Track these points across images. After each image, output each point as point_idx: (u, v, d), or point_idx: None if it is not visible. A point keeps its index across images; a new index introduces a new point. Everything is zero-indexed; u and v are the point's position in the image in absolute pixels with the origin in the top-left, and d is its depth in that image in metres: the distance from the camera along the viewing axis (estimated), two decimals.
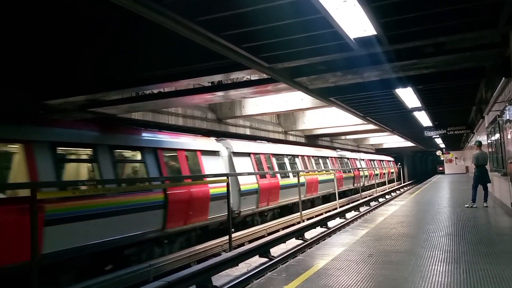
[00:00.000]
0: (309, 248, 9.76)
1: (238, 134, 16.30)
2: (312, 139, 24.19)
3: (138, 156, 9.68)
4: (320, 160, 22.07)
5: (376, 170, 33.88)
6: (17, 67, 7.01)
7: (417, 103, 11.71)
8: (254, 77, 8.70)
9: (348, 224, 14.55)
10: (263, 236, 12.12)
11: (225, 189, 10.16)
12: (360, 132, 24.98)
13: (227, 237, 9.62)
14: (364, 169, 29.55)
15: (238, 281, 7.86)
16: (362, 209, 19.78)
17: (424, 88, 10.01)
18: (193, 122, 13.59)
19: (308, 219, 15.53)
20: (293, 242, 11.60)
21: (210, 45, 5.21)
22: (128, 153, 9.83)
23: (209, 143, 12.43)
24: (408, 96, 10.54)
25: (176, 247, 10.40)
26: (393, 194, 28.60)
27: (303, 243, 11.50)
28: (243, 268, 9.01)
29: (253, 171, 14.20)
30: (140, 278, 8.21)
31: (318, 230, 13.81)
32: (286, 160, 17.64)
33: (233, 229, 11.26)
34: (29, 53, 6.87)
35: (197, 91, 8.73)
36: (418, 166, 66.81)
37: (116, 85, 7.44)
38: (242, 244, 11.42)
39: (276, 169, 16.19)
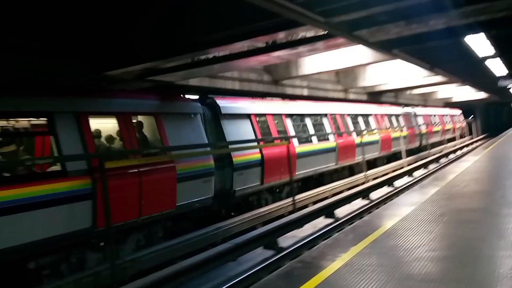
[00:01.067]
0: (376, 209, 9.53)
1: (295, 95, 15.98)
2: (374, 96, 23.20)
3: None
4: (373, 118, 20.18)
5: (445, 125, 32.06)
6: (77, 38, 7.22)
7: (490, 51, 10.75)
8: (310, 34, 8.33)
9: (416, 183, 13.97)
10: (326, 198, 12.02)
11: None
12: (426, 86, 23.50)
13: (290, 199, 9.64)
14: (432, 124, 28.06)
15: (305, 242, 7.87)
16: (431, 166, 18.91)
17: (498, 34, 9.13)
18: (249, 86, 13.47)
19: (373, 179, 15.15)
20: (358, 203, 11.40)
21: (263, 3, 4.98)
22: None
23: (177, 104, 9.75)
24: (479, 43, 9.71)
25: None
26: (465, 149, 27.01)
27: (369, 203, 11.26)
28: (308, 229, 9.01)
29: (253, 136, 11.57)
30: (208, 241, 8.51)
31: (385, 190, 13.43)
32: (308, 121, 14.56)
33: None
34: (88, 24, 7.02)
35: (252, 53, 8.54)
36: (491, 119, 62.38)
37: (172, 51, 7.47)
38: (306, 206, 11.40)
39: (291, 132, 13.27)
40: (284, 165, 11.58)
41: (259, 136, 11.63)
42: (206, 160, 9.29)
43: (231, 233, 9.05)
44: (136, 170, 7.76)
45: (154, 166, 8.10)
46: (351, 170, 16.88)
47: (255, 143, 11.46)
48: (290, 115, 13.58)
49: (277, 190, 12.38)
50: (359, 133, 17.03)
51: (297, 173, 12.37)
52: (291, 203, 10.34)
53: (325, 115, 15.73)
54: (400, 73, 17.40)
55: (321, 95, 17.82)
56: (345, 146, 15.56)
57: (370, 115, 19.70)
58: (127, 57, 7.61)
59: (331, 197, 11.95)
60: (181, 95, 10.34)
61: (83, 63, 7.60)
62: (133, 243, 8.06)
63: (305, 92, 16.70)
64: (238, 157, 10.38)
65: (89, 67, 7.67)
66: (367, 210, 10.13)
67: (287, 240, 8.27)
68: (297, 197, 11.00)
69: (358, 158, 16.43)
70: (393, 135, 20.38)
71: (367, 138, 17.21)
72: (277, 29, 6.49)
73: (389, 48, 9.27)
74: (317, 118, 15.19)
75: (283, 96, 14.99)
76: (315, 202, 11.67)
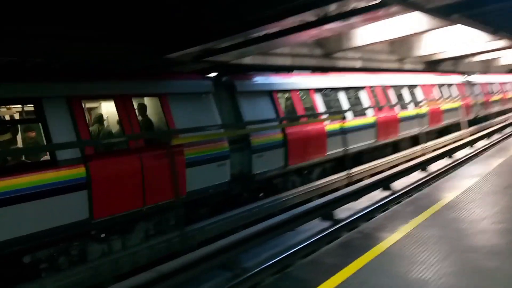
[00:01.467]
0: (435, 181, 9.33)
1: (347, 68, 15.66)
2: (432, 65, 22.17)
3: None
4: (421, 89, 18.69)
5: (506, 94, 30.00)
6: (140, 24, 7.55)
7: None
8: (362, 4, 8.13)
9: (478, 154, 13.42)
10: (383, 171, 11.88)
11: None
12: (488, 52, 22.05)
13: (346, 172, 9.67)
14: (494, 93, 26.44)
15: (362, 214, 7.93)
16: (494, 137, 18.00)
17: None
18: (300, 61, 13.37)
19: (432, 151, 14.71)
20: (416, 176, 11.18)
21: None
22: None
23: (185, 83, 8.99)
24: None
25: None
26: None
27: (427, 176, 11.01)
28: (364, 202, 9.03)
29: (274, 114, 10.63)
30: (267, 212, 8.80)
31: (444, 162, 13.03)
32: (342, 95, 13.54)
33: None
34: (150, 9, 7.30)
35: (303, 28, 8.50)
36: None
37: (226, 31, 7.63)
38: (361, 179, 11.36)
39: (320, 108, 12.19)
40: (311, 145, 10.87)
41: (282, 115, 10.70)
42: (220, 142, 8.69)
43: (288, 204, 9.28)
44: (137, 156, 7.24)
45: (157, 151, 7.58)
46: (395, 147, 15.48)
47: (276, 123, 10.49)
48: (319, 90, 12.54)
49: (305, 172, 11.43)
50: (404, 106, 15.67)
51: (327, 153, 11.44)
52: (346, 176, 10.36)
53: (363, 88, 14.52)
54: (459, 39, 16.47)
55: (375, 66, 17.33)
56: (385, 122, 14.32)
57: (416, 86, 18.11)
58: (186, 39, 7.88)
59: (387, 170, 11.79)
60: (193, 74, 9.44)
61: (146, 48, 7.93)
62: (141, 233, 7.63)
63: (358, 64, 16.32)
64: (257, 139, 9.69)
65: (151, 51, 7.99)
66: (426, 183, 9.94)
67: (343, 212, 8.36)
68: (352, 170, 10.97)
69: (402, 134, 15.12)
70: (444, 107, 18.65)
71: (413, 111, 16.05)
72: (328, 1, 6.43)
73: (447, 13, 8.84)
74: (353, 91, 14.07)
75: (335, 70, 14.74)
76: (371, 176, 11.59)
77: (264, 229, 6.45)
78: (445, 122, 18.94)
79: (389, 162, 13.31)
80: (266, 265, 5.97)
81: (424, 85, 18.65)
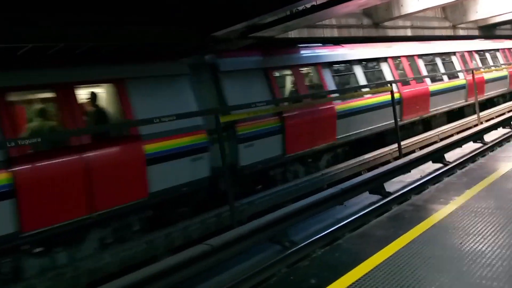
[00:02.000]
0: (491, 151, 8.96)
1: (397, 37, 15.08)
2: (487, 30, 20.82)
3: None
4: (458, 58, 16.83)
5: None
6: (188, 9, 7.68)
7: None
8: None
9: None
10: (434, 143, 11.51)
11: None
12: None
13: (396, 145, 9.47)
14: None
15: (413, 186, 7.78)
16: None
17: None
18: (348, 32, 13.03)
19: (486, 121, 14.02)
20: (470, 147, 10.74)
21: None
22: None
23: (151, 66, 7.78)
24: None
25: None
26: None
27: (482, 146, 10.55)
28: (415, 174, 8.84)
29: (269, 96, 9.39)
30: (315, 186, 8.85)
31: (500, 131, 12.39)
32: (358, 69, 12.11)
33: None
34: None
35: None
36: None
37: (271, 6, 7.58)
38: (412, 152, 11.07)
39: (330, 86, 10.86)
40: (317, 129, 9.71)
41: (278, 96, 9.48)
42: (196, 133, 7.58)
43: (336, 179, 9.26)
44: (78, 156, 6.23)
45: (106, 149, 6.62)
46: (426, 125, 14.07)
47: (266, 107, 8.46)
48: (329, 65, 11.07)
49: (309, 160, 10.19)
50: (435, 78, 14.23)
51: (338, 137, 10.35)
52: (396, 149, 10.13)
53: (385, 59, 12.97)
54: None
55: (426, 34, 16.55)
56: (413, 97, 12.85)
57: (453, 53, 16.64)
58: (231, 16, 7.92)
59: (439, 141, 11.41)
60: (165, 55, 8.14)
61: (191, 28, 8.04)
62: (94, 242, 6.78)
63: (408, 32, 15.67)
64: (245, 126, 8.48)
65: (196, 31, 8.11)
66: (481, 153, 9.54)
67: (393, 185, 8.23)
68: (403, 142, 10.69)
69: (434, 110, 13.87)
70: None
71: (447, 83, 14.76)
72: None
73: None
74: (372, 64, 12.63)
75: (385, 40, 14.25)
76: (421, 148, 11.27)
77: (312, 203, 6.50)
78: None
79: (441, 133, 12.84)
80: (315, 238, 6.05)
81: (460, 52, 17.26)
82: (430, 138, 12.38)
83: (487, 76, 17.20)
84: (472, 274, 3.66)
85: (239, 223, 6.58)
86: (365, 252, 4.41)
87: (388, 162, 10.24)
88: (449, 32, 17.88)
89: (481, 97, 16.53)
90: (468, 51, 17.46)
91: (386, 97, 10.93)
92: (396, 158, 9.90)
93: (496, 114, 15.74)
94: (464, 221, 4.73)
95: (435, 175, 8.21)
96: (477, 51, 18.20)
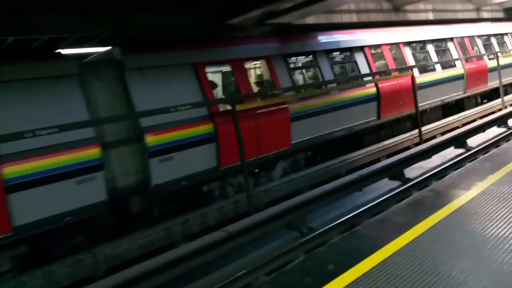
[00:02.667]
0: None
1: (419, 21, 14.70)
2: None
3: None
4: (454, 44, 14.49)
5: None
6: None
7: None
8: None
9: None
10: (456, 128, 11.25)
11: None
12: None
13: (416, 131, 9.29)
14: None
15: (434, 172, 7.64)
16: None
17: None
18: (367, 16, 12.76)
19: (511, 105, 13.63)
20: (493, 132, 10.47)
21: None
22: None
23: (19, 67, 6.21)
24: None
25: None
26: None
27: (506, 131, 10.26)
28: (437, 160, 8.67)
29: (198, 97, 7.70)
30: (333, 173, 8.77)
31: None
32: (323, 61, 10.18)
33: None
34: None
35: None
36: None
37: None
38: (434, 137, 10.84)
39: (283, 83, 9.04)
40: (262, 134, 8.12)
41: (211, 96, 7.92)
42: (82, 148, 6.16)
43: (355, 166, 9.16)
44: None
45: None
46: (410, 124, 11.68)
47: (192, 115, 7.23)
48: (286, 57, 9.42)
49: (256, 170, 8.58)
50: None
51: (294, 142, 8.77)
52: (417, 135, 9.94)
53: (361, 48, 11.07)
54: None
55: (449, 17, 16.08)
56: (392, 93, 10.87)
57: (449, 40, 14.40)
58: (247, 3, 7.83)
59: (461, 127, 11.14)
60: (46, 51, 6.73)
61: (209, 16, 7.97)
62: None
63: (430, 16, 15.24)
64: (158, 136, 6.94)
65: (213, 18, 8.06)
66: (505, 138, 9.28)
67: (414, 171, 8.10)
68: (423, 128, 10.46)
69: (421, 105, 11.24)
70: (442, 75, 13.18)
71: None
72: None
73: None
74: (340, 55, 11.16)
75: (406, 24, 13.90)
76: (443, 133, 11.03)
77: (330, 189, 6.46)
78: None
79: (463, 118, 12.54)
80: (333, 224, 6.02)
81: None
82: (452, 123, 12.10)
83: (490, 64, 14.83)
84: (494, 260, 3.57)
85: (256, 210, 6.57)
86: (383, 238, 4.36)
87: (408, 148, 10.05)
88: (472, 15, 17.34)
89: (483, 88, 14.64)
90: (468, 37, 15.20)
91: (360, 92, 10.16)
92: (416, 144, 9.72)
93: None
94: (487, 207, 4.61)
95: (457, 161, 8.05)
96: (479, 36, 15.86)
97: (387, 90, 10.75)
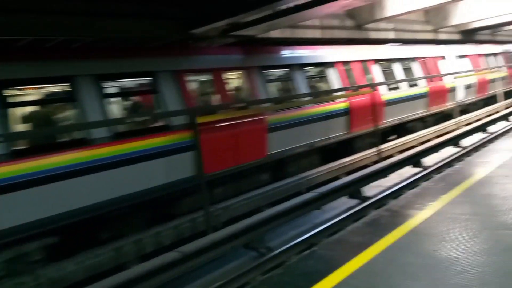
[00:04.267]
0: (468, 156, 9.02)
1: (380, 39, 15.14)
2: (468, 35, 21.13)
3: None
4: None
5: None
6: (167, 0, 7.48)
7: None
8: None
9: None
10: (413, 147, 11.57)
11: None
12: None
13: (375, 149, 9.46)
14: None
15: (391, 191, 7.77)
16: None
17: None
18: (331, 33, 12.99)
19: (465, 125, 14.19)
20: (448, 151, 10.83)
21: None
22: None
23: None
24: None
25: None
26: None
27: (460, 151, 10.64)
28: (394, 179, 8.85)
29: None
30: (294, 190, 8.76)
31: (477, 136, 12.55)
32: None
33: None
34: None
35: None
36: None
37: (254, 3, 7.47)
38: (391, 156, 11.10)
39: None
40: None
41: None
42: None
43: (315, 183, 9.19)
44: None
45: None
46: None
47: None
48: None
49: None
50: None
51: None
52: (376, 153, 10.13)
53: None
54: (500, 5, 15.59)
55: (408, 37, 16.68)
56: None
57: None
58: (212, 13, 7.75)
59: (418, 146, 11.47)
60: None
61: (174, 23, 7.83)
62: None
63: (390, 35, 15.74)
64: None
65: (178, 27, 7.91)
66: (458, 158, 9.61)
67: (371, 190, 8.22)
68: (382, 146, 10.70)
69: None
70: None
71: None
72: None
73: None
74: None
75: (367, 42, 14.26)
76: (400, 152, 11.31)
77: (290, 208, 6.42)
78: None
79: (420, 138, 12.92)
80: (291, 244, 5.96)
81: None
82: (409, 142, 12.43)
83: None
84: (445, 281, 3.63)
85: (214, 229, 6.42)
86: (340, 259, 4.35)
87: (366, 166, 10.22)
88: (431, 36, 18.07)
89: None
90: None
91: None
92: (375, 162, 9.90)
93: (474, 119, 15.94)
94: (440, 227, 4.70)
95: (412, 180, 8.23)
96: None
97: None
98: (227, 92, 8.80)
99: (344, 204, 7.50)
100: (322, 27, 12.68)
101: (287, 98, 9.89)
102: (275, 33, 11.11)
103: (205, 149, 6.73)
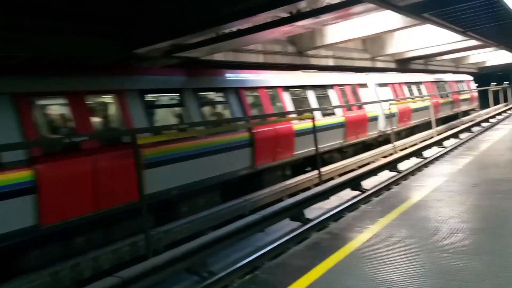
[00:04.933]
0: (404, 180, 9.40)
1: (320, 66, 15.69)
2: (403, 64, 22.54)
3: None
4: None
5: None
6: (109, 18, 7.27)
7: None
8: (335, 0, 8.09)
9: (447, 153, 13.63)
10: (353, 170, 11.91)
11: None
12: (459, 51, 22.58)
13: (316, 172, 9.61)
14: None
15: (332, 213, 7.87)
16: (462, 136, 18.39)
17: None
18: (273, 58, 13.28)
19: (401, 150, 14.89)
20: (386, 175, 11.25)
21: None
22: None
23: None
24: None
25: None
26: (499, 117, 25.94)
27: (397, 175, 11.09)
28: (334, 201, 9.00)
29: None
30: (236, 212, 8.64)
31: (414, 161, 13.19)
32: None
33: None
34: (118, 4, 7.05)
35: (275, 24, 8.40)
36: None
37: (197, 26, 7.48)
38: (332, 179, 11.34)
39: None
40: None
41: None
42: None
43: (258, 205, 9.14)
44: None
45: None
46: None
47: None
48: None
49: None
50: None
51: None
52: (316, 175, 10.30)
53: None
54: (431, 37, 16.79)
55: (347, 64, 17.46)
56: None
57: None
58: (155, 34, 7.68)
59: (357, 169, 11.83)
60: None
61: (116, 43, 7.65)
62: None
63: (330, 62, 16.39)
64: None
65: (120, 47, 7.73)
66: (395, 182, 9.99)
67: (313, 212, 8.29)
68: (322, 169, 10.91)
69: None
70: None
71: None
72: None
73: (419, 12, 8.93)
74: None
75: (308, 68, 14.73)
76: (341, 175, 11.59)
77: (233, 230, 6.30)
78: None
79: (359, 161, 13.35)
80: (233, 268, 5.82)
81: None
82: (349, 165, 12.80)
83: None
84: None
85: (155, 252, 6.15)
86: (282, 283, 4.28)
87: (308, 188, 10.35)
88: (368, 64, 19.03)
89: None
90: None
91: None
92: (316, 185, 10.05)
93: (410, 144, 16.77)
94: (378, 250, 4.77)
95: (352, 203, 8.41)
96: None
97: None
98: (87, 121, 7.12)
99: (287, 226, 7.49)
100: (265, 52, 12.95)
101: (163, 128, 8.34)
102: (219, 56, 11.17)
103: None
